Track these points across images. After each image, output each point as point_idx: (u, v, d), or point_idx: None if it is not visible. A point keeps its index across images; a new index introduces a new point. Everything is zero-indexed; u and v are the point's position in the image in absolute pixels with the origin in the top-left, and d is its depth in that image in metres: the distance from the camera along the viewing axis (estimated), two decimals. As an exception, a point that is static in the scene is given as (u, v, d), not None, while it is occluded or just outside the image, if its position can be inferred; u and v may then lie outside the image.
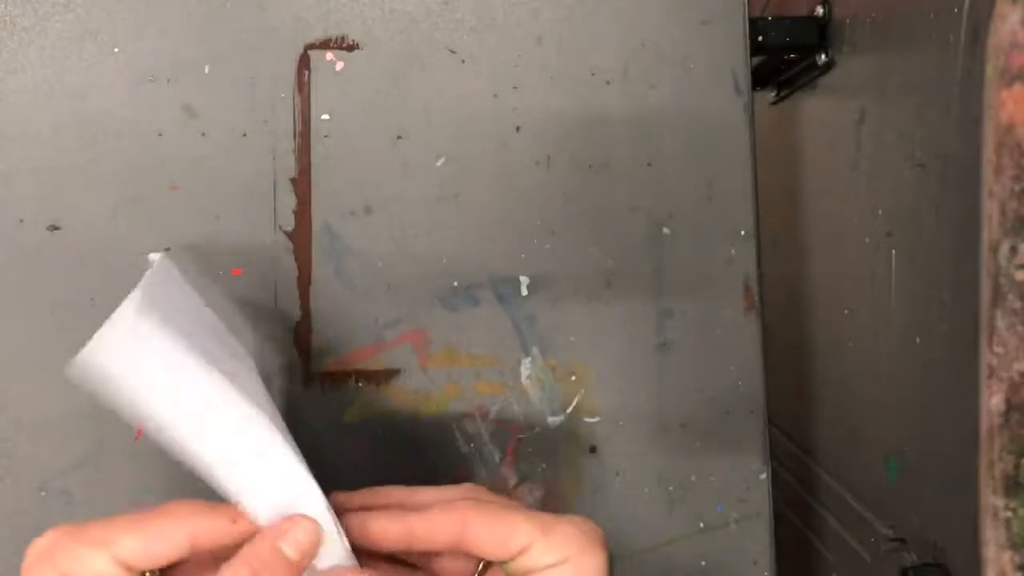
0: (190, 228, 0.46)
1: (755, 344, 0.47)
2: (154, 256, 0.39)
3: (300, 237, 0.46)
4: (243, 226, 0.46)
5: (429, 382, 0.47)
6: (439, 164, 0.47)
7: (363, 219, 0.47)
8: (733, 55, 0.48)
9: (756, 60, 0.56)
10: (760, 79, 0.64)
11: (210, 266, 0.46)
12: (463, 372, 0.47)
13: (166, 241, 0.45)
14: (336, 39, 0.47)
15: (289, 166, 0.46)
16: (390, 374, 0.47)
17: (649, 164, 0.48)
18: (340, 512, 0.34)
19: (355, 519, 0.34)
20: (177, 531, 0.31)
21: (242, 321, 0.45)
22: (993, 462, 0.34)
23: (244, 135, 0.46)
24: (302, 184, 0.46)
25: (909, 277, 0.44)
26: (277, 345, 0.46)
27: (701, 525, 0.47)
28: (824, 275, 0.58)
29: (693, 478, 0.48)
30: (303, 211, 0.46)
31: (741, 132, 0.48)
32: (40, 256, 0.45)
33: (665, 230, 0.48)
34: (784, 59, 0.60)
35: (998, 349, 0.34)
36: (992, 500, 0.34)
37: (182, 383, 0.32)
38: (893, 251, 0.46)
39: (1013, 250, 0.33)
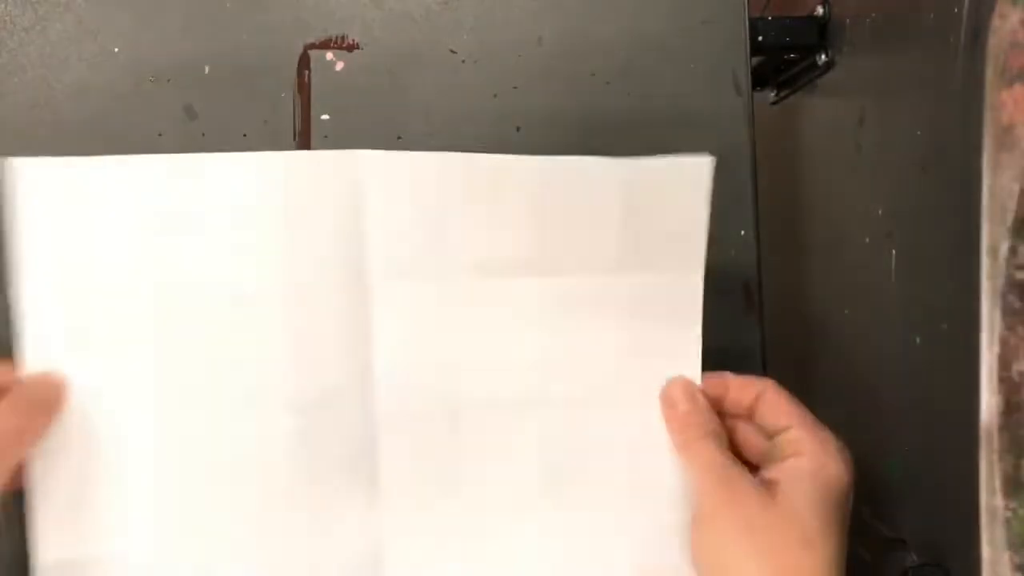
0: (190, 228, 0.46)
1: (755, 344, 0.47)
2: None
3: (300, 237, 0.46)
4: (243, 226, 0.46)
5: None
6: (439, 164, 0.47)
7: (363, 219, 0.47)
8: (733, 55, 0.48)
9: (756, 60, 0.56)
10: (760, 79, 0.64)
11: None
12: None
13: (166, 241, 0.45)
14: (336, 39, 0.47)
15: (289, 166, 0.46)
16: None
17: (649, 164, 0.48)
18: None
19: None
20: None
21: None
22: (993, 462, 0.34)
23: (244, 135, 0.46)
24: (302, 184, 0.46)
25: (909, 277, 0.44)
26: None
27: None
28: (824, 275, 0.58)
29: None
30: (303, 211, 0.46)
31: (741, 132, 0.48)
32: (40, 256, 0.45)
33: (665, 230, 0.48)
34: (784, 59, 0.60)
35: (998, 349, 0.34)
36: (992, 500, 0.34)
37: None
38: (893, 251, 0.46)
39: (1013, 250, 0.33)
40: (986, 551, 0.34)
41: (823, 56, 0.56)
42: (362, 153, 0.39)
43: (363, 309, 0.40)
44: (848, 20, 0.54)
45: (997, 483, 0.34)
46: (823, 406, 0.44)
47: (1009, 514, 0.34)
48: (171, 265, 0.38)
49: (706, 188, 0.40)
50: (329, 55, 0.47)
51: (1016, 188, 0.33)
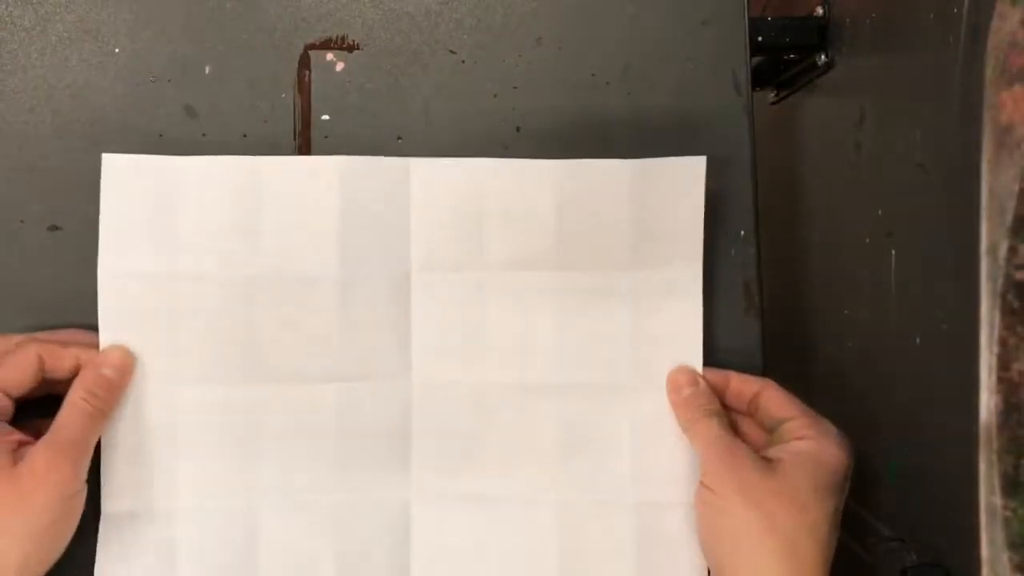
0: (190, 228, 0.46)
1: (755, 344, 0.47)
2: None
3: (300, 237, 0.46)
4: (243, 226, 0.46)
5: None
6: (439, 164, 0.47)
7: (363, 219, 0.47)
8: (733, 55, 0.48)
9: (756, 60, 0.56)
10: (760, 79, 0.64)
11: (210, 266, 0.45)
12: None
13: (166, 241, 0.45)
14: (336, 39, 0.47)
15: (289, 166, 0.46)
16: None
17: (649, 164, 0.48)
18: None
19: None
20: (29, 354, 0.41)
21: None
22: (993, 462, 0.34)
23: (244, 135, 0.46)
24: (302, 184, 0.46)
25: (909, 277, 0.44)
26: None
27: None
28: (824, 275, 0.58)
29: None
30: (303, 211, 0.46)
31: (741, 132, 0.48)
32: (40, 256, 0.45)
33: (665, 230, 0.48)
34: (784, 59, 0.60)
35: (998, 349, 0.34)
36: (991, 500, 0.34)
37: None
38: (893, 251, 0.46)
39: (1013, 250, 0.33)
40: (985, 551, 0.34)
41: (823, 56, 0.56)
42: (413, 161, 0.45)
43: (404, 296, 0.45)
44: (848, 20, 0.54)
45: (996, 483, 0.34)
46: (823, 406, 0.44)
47: (1008, 514, 0.34)
48: (237, 253, 0.44)
49: (701, 186, 0.45)
50: (329, 55, 0.47)
51: (1015, 188, 0.33)
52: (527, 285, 0.45)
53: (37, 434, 0.40)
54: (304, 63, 0.47)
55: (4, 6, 0.45)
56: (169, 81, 0.46)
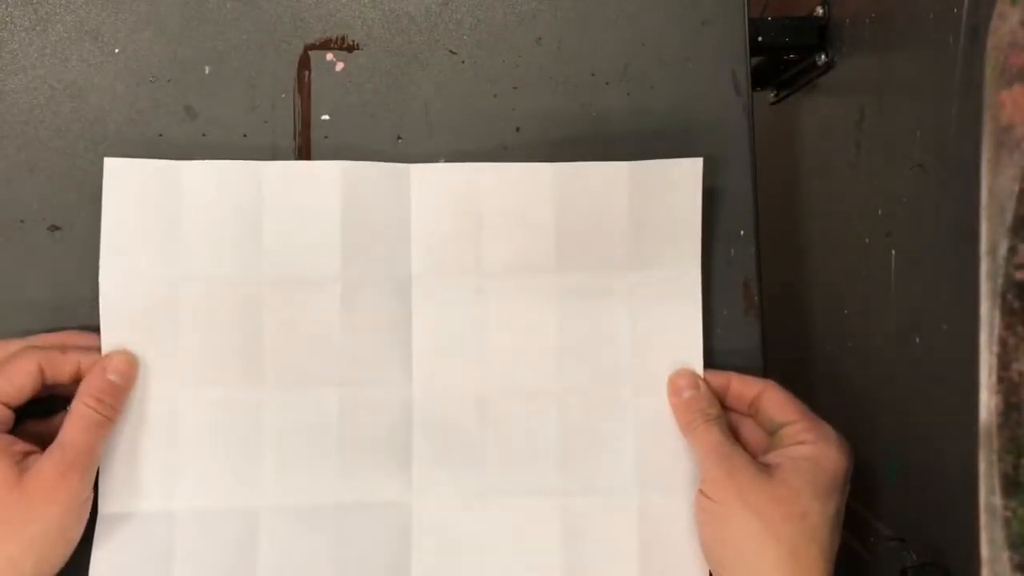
0: (190, 228, 0.46)
1: (755, 344, 0.47)
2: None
3: (300, 237, 0.46)
4: (243, 226, 0.46)
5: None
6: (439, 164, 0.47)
7: (363, 219, 0.47)
8: (733, 55, 0.48)
9: (756, 60, 0.56)
10: (760, 79, 0.64)
11: (210, 266, 0.45)
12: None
13: (166, 241, 0.45)
14: (336, 39, 0.47)
15: (289, 166, 0.46)
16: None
17: (649, 164, 0.48)
18: None
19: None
20: (28, 364, 0.40)
21: None
22: (993, 462, 0.34)
23: (244, 135, 0.46)
24: (302, 184, 0.46)
25: (909, 277, 0.44)
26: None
27: None
28: (824, 275, 0.58)
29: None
30: (303, 211, 0.46)
31: (741, 132, 0.48)
32: (40, 256, 0.45)
33: (665, 230, 0.48)
34: (784, 59, 0.60)
35: (998, 349, 0.34)
36: (991, 500, 0.34)
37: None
38: (893, 251, 0.46)
39: (1012, 250, 0.33)
40: (985, 550, 0.34)
41: (823, 56, 0.56)
42: (414, 167, 0.45)
43: (405, 300, 0.45)
44: (848, 20, 0.54)
45: (996, 482, 0.34)
46: (823, 406, 0.44)
47: (1008, 513, 0.34)
48: (239, 257, 0.44)
49: (698, 187, 0.45)
50: (329, 55, 0.47)
51: (1015, 188, 0.33)
52: (527, 287, 0.45)
53: (37, 439, 0.40)
54: (304, 63, 0.47)
55: (4, 6, 0.45)
56: (169, 81, 0.46)
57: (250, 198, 0.44)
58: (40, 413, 0.42)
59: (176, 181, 0.44)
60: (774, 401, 0.44)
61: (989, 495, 0.34)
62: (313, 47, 0.47)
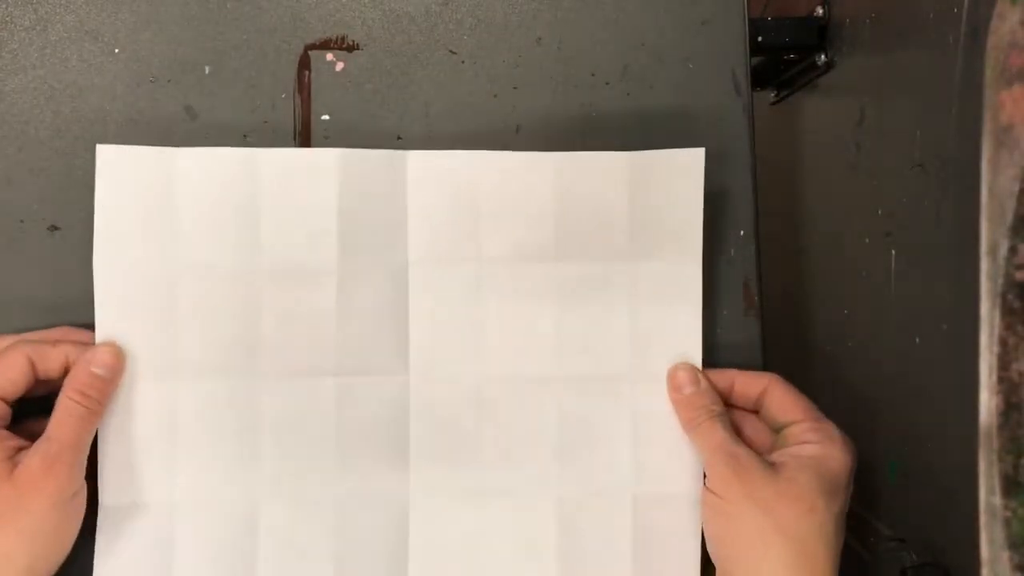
0: (190, 228, 0.46)
1: (755, 344, 0.47)
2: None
3: (300, 237, 0.46)
4: (243, 226, 0.46)
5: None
6: (439, 164, 0.47)
7: (363, 219, 0.47)
8: (733, 55, 0.48)
9: (756, 60, 0.56)
10: (760, 79, 0.64)
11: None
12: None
13: (166, 241, 0.45)
14: (336, 39, 0.47)
15: (289, 166, 0.46)
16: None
17: (649, 164, 0.48)
18: None
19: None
20: (17, 357, 0.40)
21: None
22: (993, 462, 0.34)
23: (244, 136, 0.46)
24: (302, 184, 0.46)
25: (909, 277, 0.44)
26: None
27: (701, 525, 0.47)
28: (824, 275, 0.58)
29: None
30: (303, 211, 0.46)
31: (741, 132, 0.48)
32: (40, 256, 0.45)
33: (665, 230, 0.48)
34: (784, 59, 0.61)
35: (998, 349, 0.34)
36: (991, 500, 0.34)
37: None
38: (893, 251, 0.46)
39: (1013, 250, 0.33)
40: (985, 550, 0.34)
41: (823, 56, 0.56)
42: (411, 154, 0.45)
43: (402, 289, 0.45)
44: (848, 20, 0.54)
45: (996, 483, 0.34)
46: (823, 406, 0.44)
47: (1008, 514, 0.34)
48: (235, 245, 0.44)
49: (700, 177, 0.45)
50: (329, 55, 0.47)
51: (1015, 188, 0.33)
52: (525, 277, 0.45)
53: (33, 437, 0.40)
54: (304, 63, 0.47)
55: (4, 6, 0.45)
56: (169, 81, 0.46)
57: (245, 186, 0.44)
58: (41, 412, 0.42)
59: (170, 169, 0.43)
60: (778, 400, 0.44)
61: (989, 495, 0.34)
62: (313, 47, 0.47)
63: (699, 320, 0.45)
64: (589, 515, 0.45)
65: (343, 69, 0.47)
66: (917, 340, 0.43)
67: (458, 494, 0.45)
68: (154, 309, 0.43)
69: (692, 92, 0.48)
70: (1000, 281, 0.34)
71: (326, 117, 0.47)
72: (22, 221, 0.45)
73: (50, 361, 0.41)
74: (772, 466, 0.41)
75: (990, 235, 0.34)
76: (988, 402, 0.34)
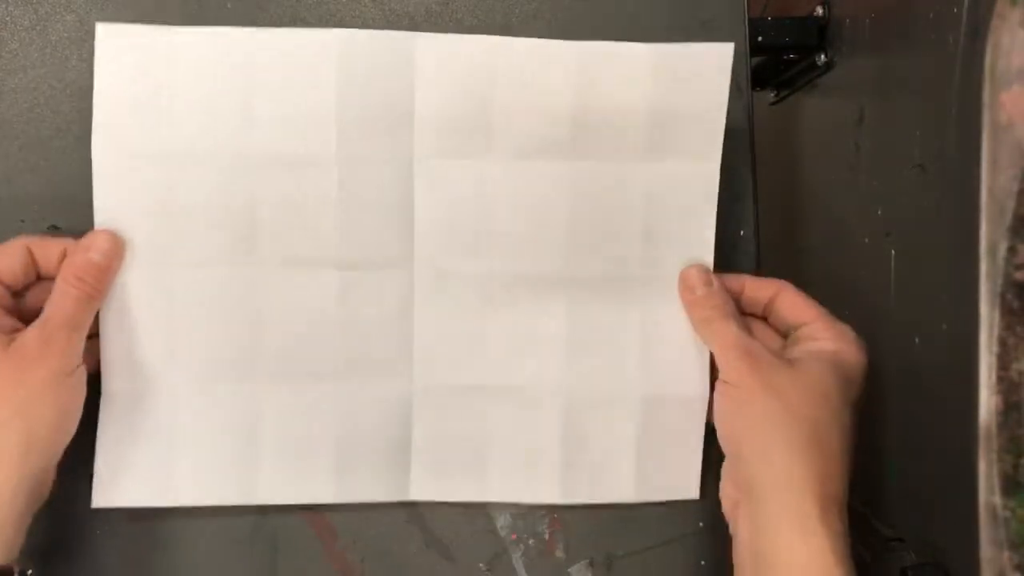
0: (190, 228, 0.46)
1: (755, 344, 0.47)
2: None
3: (300, 237, 0.46)
4: (243, 226, 0.46)
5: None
6: (439, 164, 0.47)
7: (363, 219, 0.47)
8: (733, 55, 0.48)
9: (756, 60, 0.56)
10: (760, 79, 0.64)
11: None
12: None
13: (166, 241, 0.45)
14: (336, 39, 0.47)
15: (289, 166, 0.46)
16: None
17: (649, 164, 0.48)
18: None
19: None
20: (16, 244, 0.41)
21: None
22: (993, 462, 0.34)
23: (244, 135, 0.46)
24: (302, 184, 0.46)
25: (909, 277, 0.44)
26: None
27: (700, 525, 0.47)
28: (824, 275, 0.58)
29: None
30: (303, 211, 0.46)
31: (741, 132, 0.48)
32: (40, 256, 0.45)
33: (665, 230, 0.48)
34: (784, 59, 0.61)
35: (998, 349, 0.34)
36: (991, 500, 0.34)
37: None
38: (893, 251, 0.46)
39: (1012, 250, 0.33)
40: (985, 550, 0.34)
41: (823, 56, 0.56)
42: (420, 36, 0.43)
43: (407, 183, 0.44)
44: (848, 20, 0.54)
45: (996, 482, 0.34)
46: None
47: (1008, 513, 0.34)
48: (232, 131, 0.43)
49: (726, 75, 0.43)
50: (329, 55, 0.47)
51: (1015, 188, 0.33)
52: (538, 174, 0.44)
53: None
54: (304, 63, 0.47)
55: (4, 6, 0.45)
56: (169, 81, 0.46)
57: (243, 68, 0.43)
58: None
59: (169, 49, 0.42)
60: (790, 302, 0.44)
61: (989, 495, 0.34)
62: (313, 47, 0.47)
63: (713, 221, 0.44)
64: (594, 414, 0.45)
65: (343, 69, 0.47)
66: (917, 340, 0.43)
67: (462, 391, 0.45)
68: (152, 195, 0.42)
69: (692, 92, 0.48)
70: (1000, 281, 0.34)
71: (326, 117, 0.47)
72: (22, 221, 0.45)
73: (49, 250, 0.41)
74: (787, 361, 0.41)
75: (990, 235, 0.34)
76: (988, 402, 0.34)
